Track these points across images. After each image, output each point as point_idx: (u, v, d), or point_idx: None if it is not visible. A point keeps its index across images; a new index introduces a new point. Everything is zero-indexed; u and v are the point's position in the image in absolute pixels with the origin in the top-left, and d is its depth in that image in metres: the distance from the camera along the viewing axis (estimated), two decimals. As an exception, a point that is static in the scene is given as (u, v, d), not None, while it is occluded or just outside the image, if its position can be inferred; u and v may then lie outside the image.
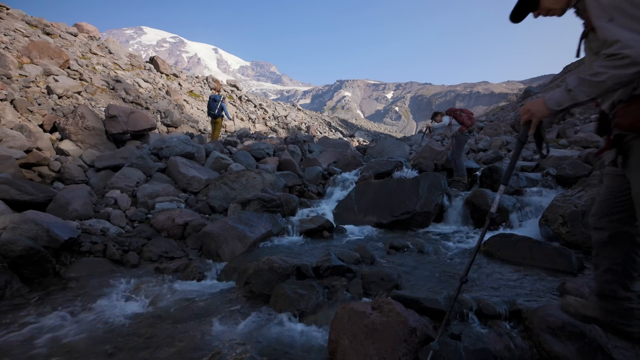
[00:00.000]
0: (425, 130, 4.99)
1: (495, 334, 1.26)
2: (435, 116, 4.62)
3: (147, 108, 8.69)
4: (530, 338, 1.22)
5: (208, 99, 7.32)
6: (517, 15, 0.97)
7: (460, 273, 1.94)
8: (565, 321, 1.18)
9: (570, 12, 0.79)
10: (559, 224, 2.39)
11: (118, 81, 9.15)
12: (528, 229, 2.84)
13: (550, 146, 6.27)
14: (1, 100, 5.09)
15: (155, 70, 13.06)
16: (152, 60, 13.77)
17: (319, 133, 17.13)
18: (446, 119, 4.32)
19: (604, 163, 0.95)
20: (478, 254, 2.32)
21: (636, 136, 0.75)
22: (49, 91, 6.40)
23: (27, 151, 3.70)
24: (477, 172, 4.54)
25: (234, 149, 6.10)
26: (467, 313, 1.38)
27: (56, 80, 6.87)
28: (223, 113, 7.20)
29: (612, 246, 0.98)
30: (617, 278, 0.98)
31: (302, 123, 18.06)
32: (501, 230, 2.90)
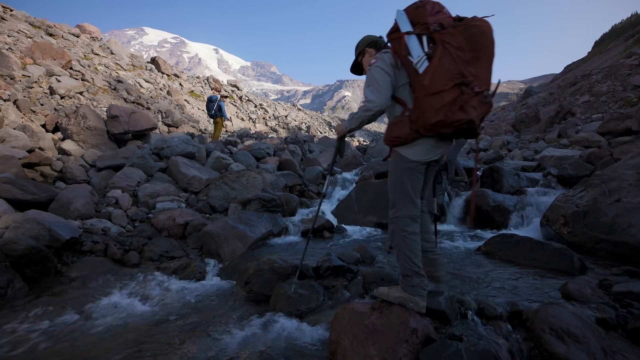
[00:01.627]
0: None
1: (496, 334, 1.26)
2: None
3: (148, 108, 8.72)
4: (531, 339, 1.21)
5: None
6: (355, 71, 1.48)
7: (460, 273, 1.93)
8: (568, 322, 1.17)
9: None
10: (561, 224, 2.38)
11: (120, 81, 9.18)
12: (529, 229, 2.83)
13: (551, 146, 6.27)
14: (4, 100, 5.13)
15: (156, 71, 13.10)
16: (154, 61, 13.82)
17: (319, 133, 17.12)
18: None
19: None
20: (478, 254, 2.33)
21: (391, 146, 1.24)
22: (52, 91, 6.44)
23: (30, 151, 3.72)
24: (478, 172, 4.53)
25: (235, 148, 6.12)
26: (468, 313, 1.37)
27: (58, 81, 6.91)
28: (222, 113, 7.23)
29: None
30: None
31: (302, 123, 18.07)
32: (502, 231, 2.88)
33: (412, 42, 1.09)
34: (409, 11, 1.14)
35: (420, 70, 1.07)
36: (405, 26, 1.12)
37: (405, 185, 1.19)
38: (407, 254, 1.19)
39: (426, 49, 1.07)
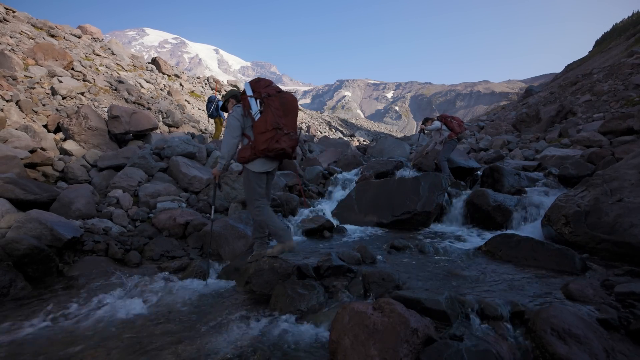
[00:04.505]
0: (420, 132, 5.18)
1: (497, 335, 1.25)
2: (426, 122, 4.75)
3: (149, 108, 8.73)
4: (533, 340, 1.20)
5: None
6: (223, 110, 2.18)
7: (461, 273, 1.92)
8: (569, 323, 1.17)
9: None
10: (562, 224, 2.37)
11: (120, 82, 9.20)
12: (530, 229, 2.82)
13: (552, 145, 6.25)
14: (7, 101, 5.15)
15: (157, 71, 13.12)
16: (154, 61, 13.84)
17: (319, 133, 17.12)
18: (437, 123, 4.52)
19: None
20: (479, 254, 2.33)
21: (242, 163, 1.99)
22: (53, 92, 6.46)
23: (32, 151, 3.73)
24: (478, 172, 4.52)
25: (235, 149, 6.09)
26: (469, 314, 1.37)
27: (60, 81, 6.93)
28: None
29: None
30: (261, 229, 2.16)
31: (302, 123, 18.07)
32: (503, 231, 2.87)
33: (252, 102, 1.89)
34: (252, 83, 1.96)
35: (256, 119, 1.87)
36: (249, 92, 1.93)
37: (253, 186, 1.98)
38: (268, 221, 1.98)
39: (259, 107, 1.88)
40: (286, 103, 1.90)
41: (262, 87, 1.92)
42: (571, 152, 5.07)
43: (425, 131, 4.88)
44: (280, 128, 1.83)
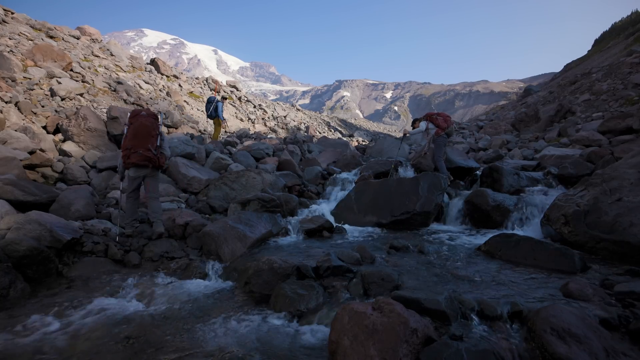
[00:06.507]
0: (403, 137, 5.12)
1: (497, 335, 1.25)
2: (414, 122, 4.65)
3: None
4: (533, 339, 1.21)
5: None
6: None
7: (460, 273, 1.92)
8: (569, 322, 1.17)
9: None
10: (561, 224, 2.37)
11: (119, 83, 9.19)
12: (529, 228, 2.82)
13: (551, 145, 6.26)
14: (6, 102, 5.14)
15: (156, 72, 13.11)
16: (153, 62, 13.84)
17: (318, 133, 17.14)
18: (423, 125, 4.44)
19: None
20: (478, 253, 2.33)
21: (125, 169, 2.82)
22: (53, 93, 6.45)
23: (31, 152, 3.73)
24: (478, 172, 4.52)
25: (234, 149, 6.12)
26: (469, 314, 1.37)
27: (59, 83, 6.93)
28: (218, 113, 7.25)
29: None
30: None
31: (301, 123, 18.07)
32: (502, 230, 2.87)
33: (125, 130, 2.68)
34: (130, 114, 2.71)
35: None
36: (125, 121, 2.72)
37: (131, 185, 2.71)
38: (130, 208, 2.73)
39: (126, 133, 2.67)
40: (136, 128, 2.61)
41: (131, 117, 2.67)
42: (570, 151, 5.07)
43: (409, 135, 4.77)
44: (130, 148, 2.56)
